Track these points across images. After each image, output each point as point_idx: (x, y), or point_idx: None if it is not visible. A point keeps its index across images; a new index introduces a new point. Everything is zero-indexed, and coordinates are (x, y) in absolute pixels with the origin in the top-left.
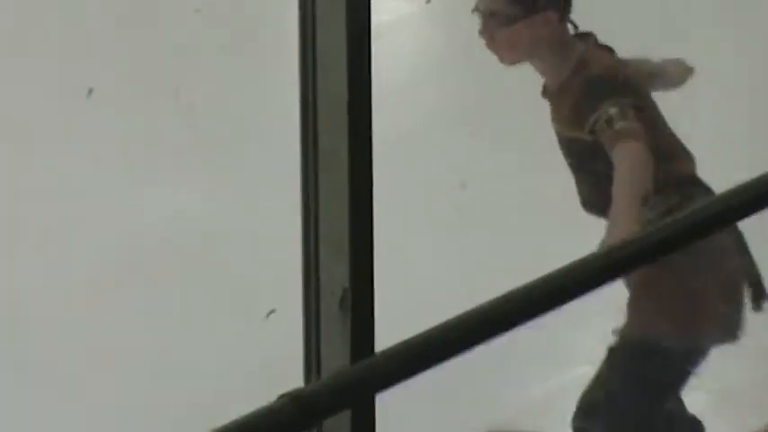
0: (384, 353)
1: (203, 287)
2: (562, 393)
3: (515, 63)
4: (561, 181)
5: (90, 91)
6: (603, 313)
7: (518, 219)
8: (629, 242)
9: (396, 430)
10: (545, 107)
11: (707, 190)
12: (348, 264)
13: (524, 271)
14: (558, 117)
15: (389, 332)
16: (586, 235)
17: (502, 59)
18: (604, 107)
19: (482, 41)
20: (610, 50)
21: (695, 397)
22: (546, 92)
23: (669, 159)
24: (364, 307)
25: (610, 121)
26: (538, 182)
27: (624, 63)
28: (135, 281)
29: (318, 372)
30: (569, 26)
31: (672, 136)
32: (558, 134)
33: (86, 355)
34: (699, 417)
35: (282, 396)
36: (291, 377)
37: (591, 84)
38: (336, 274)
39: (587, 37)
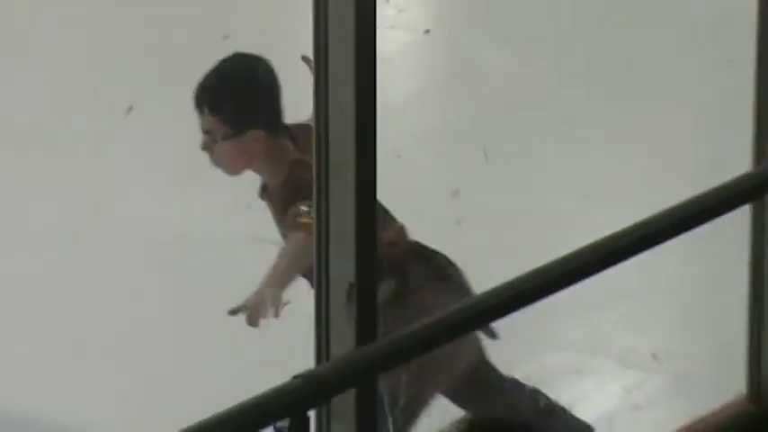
0: (385, 339)
1: (235, 280)
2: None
3: (237, 173)
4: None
5: (129, 109)
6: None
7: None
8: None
9: None
10: (537, 124)
11: (426, 258)
12: (354, 262)
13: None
14: (274, 217)
15: None
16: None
17: (226, 171)
18: (299, 205)
19: (473, 68)
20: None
21: (653, 381)
22: (264, 193)
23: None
24: (368, 299)
25: (297, 215)
26: (531, 194)
27: None
28: (179, 277)
29: (327, 355)
30: (286, 140)
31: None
32: (281, 234)
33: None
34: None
35: (296, 376)
36: (305, 360)
37: (297, 187)
38: (343, 270)
39: (297, 138)
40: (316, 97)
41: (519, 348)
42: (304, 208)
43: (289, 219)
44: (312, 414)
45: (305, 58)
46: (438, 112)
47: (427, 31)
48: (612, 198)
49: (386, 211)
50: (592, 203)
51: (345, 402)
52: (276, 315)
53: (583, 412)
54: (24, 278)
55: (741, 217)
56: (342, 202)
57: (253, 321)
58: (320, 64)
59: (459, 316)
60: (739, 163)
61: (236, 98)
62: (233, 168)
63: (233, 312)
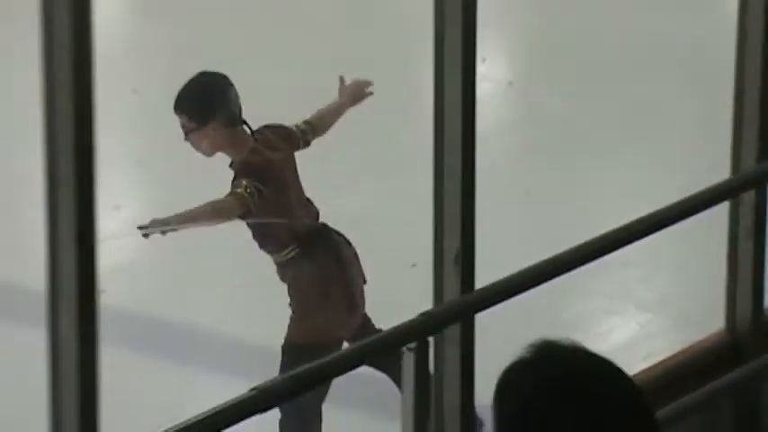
0: (480, 289)
1: (374, 248)
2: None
3: (210, 155)
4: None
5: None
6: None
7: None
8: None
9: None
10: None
11: (325, 237)
12: (460, 233)
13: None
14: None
15: (483, 278)
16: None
17: (203, 153)
18: (242, 179)
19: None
20: (273, 145)
21: (659, 320)
22: (231, 167)
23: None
24: (469, 262)
25: (237, 187)
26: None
27: (272, 153)
28: None
29: (441, 300)
30: (244, 127)
31: (291, 209)
32: None
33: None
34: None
35: (422, 314)
36: (426, 303)
37: (247, 166)
38: (452, 240)
39: (259, 133)
40: (435, 92)
41: (564, 296)
42: (244, 182)
43: (232, 187)
44: (431, 339)
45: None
46: (509, 140)
47: (510, 83)
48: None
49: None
50: (624, 204)
51: (453, 332)
52: (163, 233)
53: (610, 341)
54: None
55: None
56: (451, 187)
57: (149, 233)
58: (438, 59)
59: (538, 270)
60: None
61: (196, 101)
62: (205, 151)
63: (141, 227)
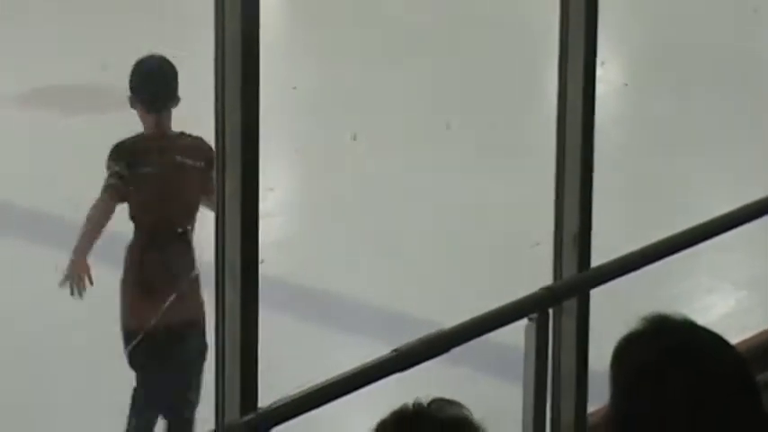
0: (595, 267)
1: (503, 232)
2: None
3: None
4: None
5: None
6: None
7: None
8: None
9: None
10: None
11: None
12: (578, 217)
13: None
14: None
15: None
16: None
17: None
18: (112, 162)
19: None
20: (182, 134)
21: (752, 297)
22: None
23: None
24: (585, 242)
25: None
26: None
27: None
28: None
29: (561, 276)
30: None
31: (163, 202)
32: None
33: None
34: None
35: (542, 288)
36: (546, 279)
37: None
38: (572, 223)
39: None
40: (559, 95)
41: (669, 276)
42: (116, 168)
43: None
44: (551, 311)
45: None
46: (623, 136)
47: (625, 85)
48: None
49: None
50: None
51: (571, 305)
52: (89, 281)
53: (710, 315)
54: None
55: None
56: (571, 175)
57: (75, 290)
58: (563, 62)
59: (648, 252)
60: None
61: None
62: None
63: (62, 283)
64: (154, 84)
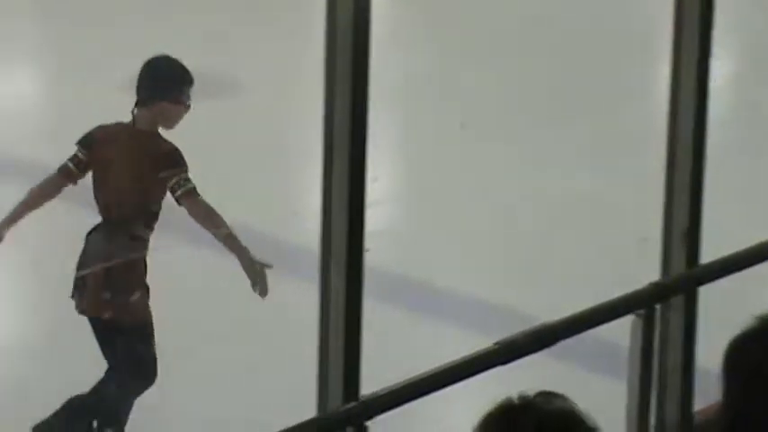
0: (704, 264)
1: (608, 223)
2: None
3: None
4: None
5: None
6: None
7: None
8: None
9: None
10: None
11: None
12: (688, 212)
13: None
14: None
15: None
16: None
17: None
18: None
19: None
20: (156, 135)
21: None
22: None
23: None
24: (695, 238)
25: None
26: None
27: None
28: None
29: (668, 272)
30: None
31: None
32: None
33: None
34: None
35: (651, 283)
36: (653, 275)
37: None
38: (680, 222)
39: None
40: (672, 93)
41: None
42: (78, 153)
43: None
44: (658, 307)
45: None
46: (732, 132)
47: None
48: None
49: None
50: None
51: (678, 301)
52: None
53: None
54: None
55: None
56: (682, 170)
57: None
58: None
59: (759, 250)
60: None
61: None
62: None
63: None
64: (139, 79)
